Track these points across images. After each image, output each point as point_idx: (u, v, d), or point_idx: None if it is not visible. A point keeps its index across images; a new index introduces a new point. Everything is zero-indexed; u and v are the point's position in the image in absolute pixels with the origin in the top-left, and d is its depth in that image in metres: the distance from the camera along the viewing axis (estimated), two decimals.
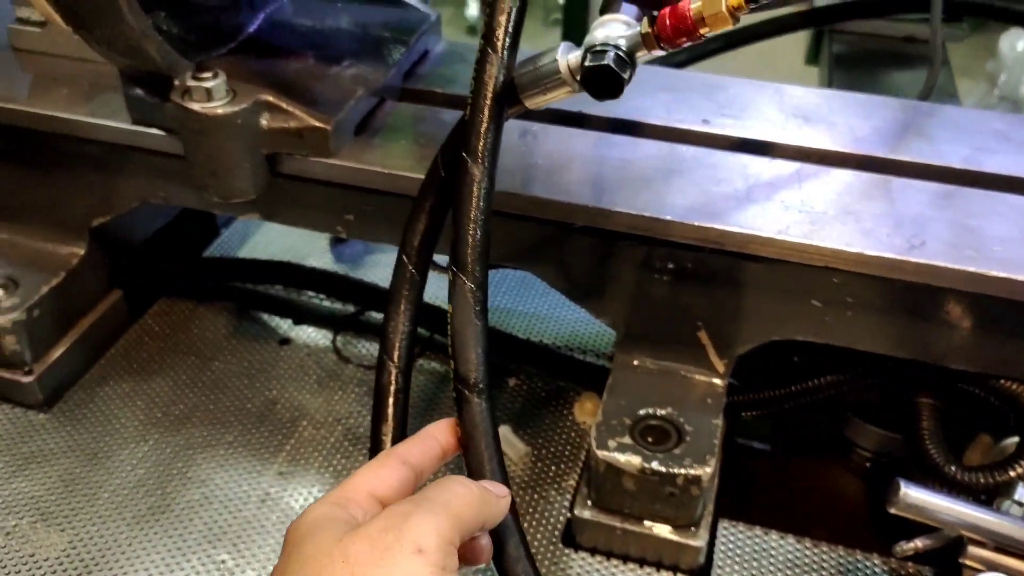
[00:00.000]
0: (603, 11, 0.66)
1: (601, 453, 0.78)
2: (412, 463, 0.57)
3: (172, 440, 0.92)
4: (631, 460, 0.77)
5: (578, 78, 0.65)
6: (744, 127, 0.89)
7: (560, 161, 0.84)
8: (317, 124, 0.80)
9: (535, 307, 1.12)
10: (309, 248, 1.18)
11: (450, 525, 0.51)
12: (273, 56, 0.91)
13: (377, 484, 0.55)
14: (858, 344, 0.80)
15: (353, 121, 0.85)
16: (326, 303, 1.11)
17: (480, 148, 0.63)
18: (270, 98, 0.80)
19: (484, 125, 0.64)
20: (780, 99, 0.94)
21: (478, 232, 0.63)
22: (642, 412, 0.82)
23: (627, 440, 0.79)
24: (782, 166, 0.84)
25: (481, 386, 0.60)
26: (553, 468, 0.91)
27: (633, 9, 0.66)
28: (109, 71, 0.88)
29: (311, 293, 1.12)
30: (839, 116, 0.91)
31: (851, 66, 1.42)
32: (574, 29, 2.30)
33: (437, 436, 0.60)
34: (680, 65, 1.40)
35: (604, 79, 0.62)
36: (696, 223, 0.77)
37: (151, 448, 0.91)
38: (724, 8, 0.58)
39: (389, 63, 0.91)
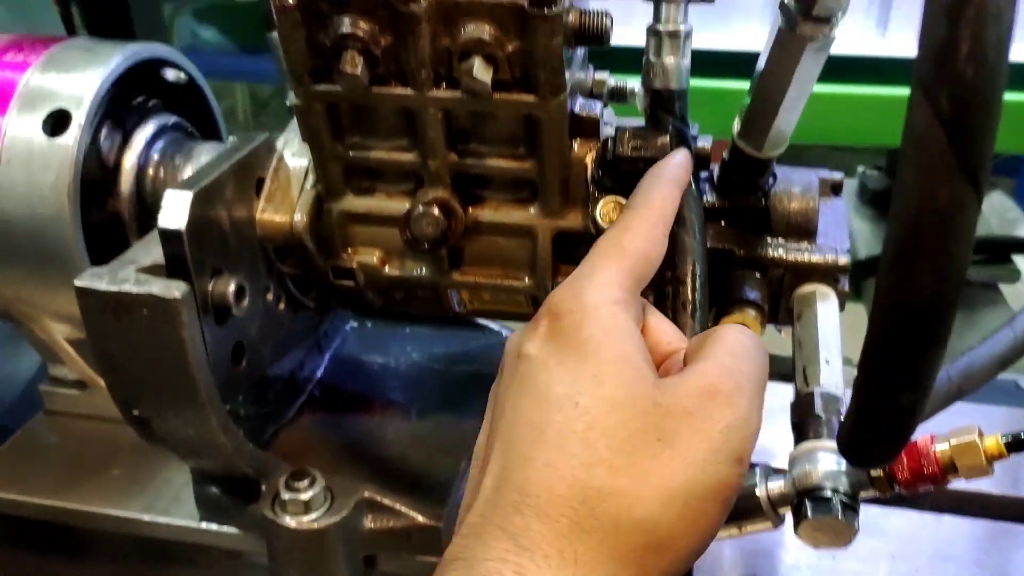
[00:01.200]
0: (798, 431, 0.57)
1: None
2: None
3: None
4: None
5: (779, 512, 0.55)
6: None
7: None
8: (427, 522, 0.69)
9: None
10: None
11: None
12: (352, 410, 0.81)
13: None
14: None
15: (459, 501, 0.74)
16: None
17: None
18: (371, 495, 0.68)
19: None
20: None
21: None
22: None
23: None
24: None
25: None
26: None
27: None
28: None
29: None
30: None
31: None
32: None
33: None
34: None
35: (830, 532, 0.52)
36: None
37: None
38: (983, 459, 0.50)
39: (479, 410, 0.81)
